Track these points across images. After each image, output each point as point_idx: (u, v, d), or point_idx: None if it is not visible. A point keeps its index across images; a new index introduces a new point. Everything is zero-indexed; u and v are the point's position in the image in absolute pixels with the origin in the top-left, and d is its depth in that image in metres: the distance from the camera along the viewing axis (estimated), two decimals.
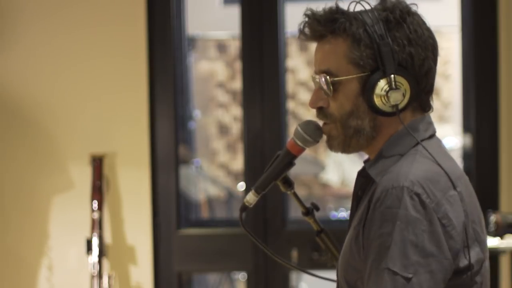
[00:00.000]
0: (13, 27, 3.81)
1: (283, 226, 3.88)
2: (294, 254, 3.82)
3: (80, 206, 3.75)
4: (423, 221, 1.58)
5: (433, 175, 1.63)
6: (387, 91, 1.67)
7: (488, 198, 3.70)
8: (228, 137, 7.61)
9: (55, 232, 3.84)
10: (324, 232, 2.04)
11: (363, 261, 1.64)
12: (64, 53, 3.83)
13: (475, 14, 3.77)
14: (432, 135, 1.75)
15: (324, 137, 1.80)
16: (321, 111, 1.75)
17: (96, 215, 3.66)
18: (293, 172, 1.98)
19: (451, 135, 6.61)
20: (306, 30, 1.73)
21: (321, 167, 7.05)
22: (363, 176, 1.75)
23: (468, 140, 3.85)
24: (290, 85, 7.23)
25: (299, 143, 1.85)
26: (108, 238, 3.79)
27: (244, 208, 1.91)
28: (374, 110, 1.69)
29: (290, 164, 1.88)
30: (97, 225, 3.65)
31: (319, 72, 1.73)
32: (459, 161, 4.04)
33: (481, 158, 3.78)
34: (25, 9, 3.82)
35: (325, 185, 7.04)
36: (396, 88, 1.67)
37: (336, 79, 1.70)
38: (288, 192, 1.97)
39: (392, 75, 1.66)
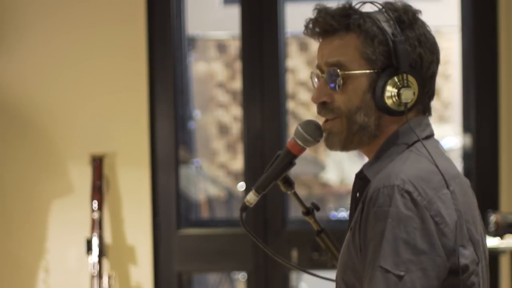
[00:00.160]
0: (13, 28, 3.81)
1: (283, 226, 3.88)
2: (294, 254, 3.82)
3: (80, 206, 3.75)
4: (415, 219, 1.57)
5: (426, 174, 1.63)
6: (399, 89, 1.67)
7: (488, 198, 3.70)
8: (228, 137, 7.61)
9: (55, 232, 3.84)
10: (324, 232, 2.04)
11: (361, 262, 1.64)
12: (64, 53, 3.83)
13: (475, 14, 3.77)
14: (429, 136, 1.75)
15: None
16: (325, 106, 1.74)
17: (96, 215, 3.66)
18: (293, 172, 1.98)
19: (451, 135, 6.61)
20: (315, 25, 1.72)
21: (321, 167, 7.05)
22: (360, 178, 1.75)
23: (468, 140, 3.85)
24: (290, 85, 7.23)
25: (299, 142, 1.85)
26: (108, 238, 3.79)
27: (244, 208, 1.91)
28: (382, 108, 1.69)
29: (291, 164, 1.88)
30: (97, 225, 3.65)
31: (326, 65, 1.72)
32: (459, 161, 4.05)
33: (481, 158, 3.78)
34: (25, 9, 3.82)
35: (325, 185, 7.04)
36: (408, 86, 1.67)
37: (346, 72, 1.70)
38: (289, 192, 1.96)
39: (405, 73, 1.67)
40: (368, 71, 1.69)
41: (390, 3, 1.73)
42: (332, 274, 1.91)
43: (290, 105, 7.24)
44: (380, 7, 1.73)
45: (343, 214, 5.93)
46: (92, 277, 3.59)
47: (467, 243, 1.63)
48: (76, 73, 3.83)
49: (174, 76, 3.88)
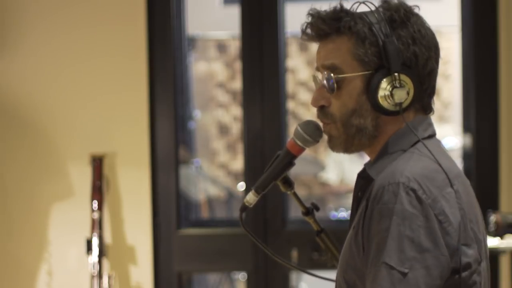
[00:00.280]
0: (13, 28, 3.81)
1: (283, 226, 3.87)
2: (294, 254, 3.82)
3: (80, 206, 3.75)
4: (419, 217, 1.57)
5: (430, 172, 1.63)
6: (392, 89, 1.67)
7: (488, 198, 3.70)
8: (228, 137, 7.61)
9: (55, 232, 3.84)
10: (324, 232, 2.04)
11: (363, 261, 1.63)
12: (64, 53, 3.83)
13: (475, 14, 3.77)
14: (431, 136, 1.75)
15: (325, 137, 1.80)
16: (322, 111, 1.75)
17: (96, 215, 3.66)
18: (293, 172, 1.98)
19: (451, 135, 6.61)
20: (310, 29, 1.73)
21: (321, 167, 7.05)
22: (362, 177, 1.75)
23: (468, 140, 3.85)
24: (290, 85, 7.23)
25: (299, 143, 1.85)
26: (108, 238, 3.79)
27: (244, 208, 1.91)
28: (377, 108, 1.69)
29: (290, 164, 1.88)
30: (97, 225, 3.65)
31: (322, 68, 1.73)
32: (459, 161, 4.05)
33: (481, 158, 3.78)
34: (25, 9, 3.82)
35: (324, 184, 7.05)
36: (401, 86, 1.67)
37: (340, 75, 1.70)
38: (288, 192, 1.97)
39: (397, 73, 1.67)
40: (361, 72, 1.69)
41: (385, 2, 1.73)
42: (332, 274, 1.91)
43: (290, 105, 7.25)
44: (374, 7, 1.73)
45: (343, 214, 5.93)
46: (92, 277, 3.59)
47: (471, 242, 1.64)
48: (76, 73, 3.83)
49: (174, 76, 3.88)
